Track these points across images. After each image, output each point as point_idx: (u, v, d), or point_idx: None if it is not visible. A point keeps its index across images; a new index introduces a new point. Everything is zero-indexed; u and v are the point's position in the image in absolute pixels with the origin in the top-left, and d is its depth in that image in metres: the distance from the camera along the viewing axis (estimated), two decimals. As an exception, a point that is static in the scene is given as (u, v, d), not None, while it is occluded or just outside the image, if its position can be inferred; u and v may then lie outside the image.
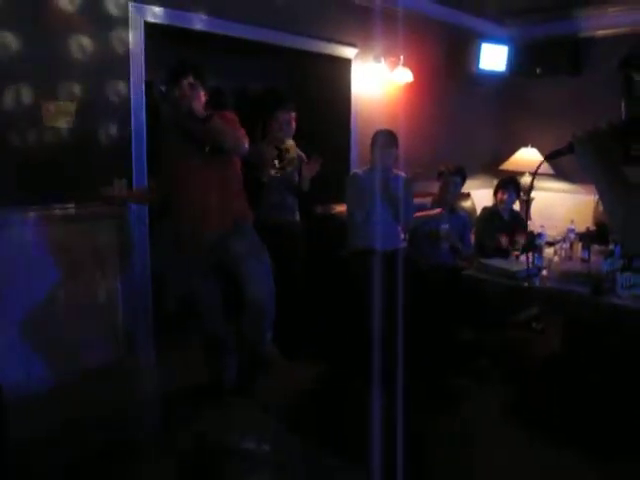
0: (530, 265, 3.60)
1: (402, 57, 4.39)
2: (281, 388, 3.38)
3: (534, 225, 5.13)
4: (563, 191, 5.47)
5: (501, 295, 3.60)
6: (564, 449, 2.77)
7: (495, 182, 5.72)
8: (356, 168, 4.21)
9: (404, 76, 4.45)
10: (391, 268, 3.66)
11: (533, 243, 4.19)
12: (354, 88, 4.34)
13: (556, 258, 3.84)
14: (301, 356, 3.73)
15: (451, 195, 4.21)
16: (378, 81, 4.41)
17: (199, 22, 3.44)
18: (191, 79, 2.90)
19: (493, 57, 4.98)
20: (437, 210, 4.12)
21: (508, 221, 4.49)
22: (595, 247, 4.02)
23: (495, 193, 4.52)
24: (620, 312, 3.07)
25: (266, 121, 3.78)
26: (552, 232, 5.11)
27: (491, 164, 5.60)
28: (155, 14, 3.28)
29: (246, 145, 2.95)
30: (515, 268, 3.55)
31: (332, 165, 4.00)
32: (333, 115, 4.45)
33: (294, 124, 3.76)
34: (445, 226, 4.04)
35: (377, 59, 4.32)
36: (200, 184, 2.97)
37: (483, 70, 4.95)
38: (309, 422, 3.01)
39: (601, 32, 5.03)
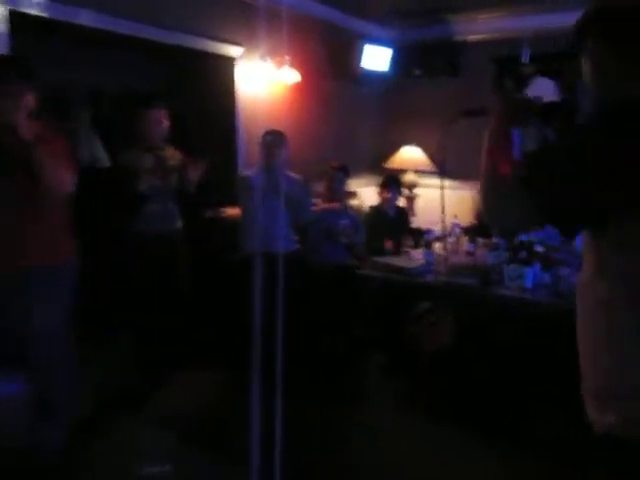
0: (422, 261, 3.71)
1: (288, 57, 4.34)
2: (177, 401, 3.23)
3: (420, 221, 5.30)
4: (445, 187, 5.68)
5: (395, 292, 3.69)
6: (454, 433, 2.95)
7: (380, 180, 5.87)
8: (245, 169, 4.12)
9: (290, 76, 4.41)
10: (284, 271, 3.62)
11: (422, 240, 4.32)
12: (240, 88, 4.23)
13: (444, 252, 3.98)
14: (194, 367, 3.61)
15: (337, 191, 4.23)
16: (264, 81, 4.33)
17: (69, 14, 3.12)
18: (13, 79, 2.28)
19: (376, 58, 5.07)
20: (334, 204, 4.13)
21: (394, 218, 4.61)
22: (480, 240, 4.21)
23: (379, 192, 4.61)
24: (507, 302, 3.23)
25: (135, 122, 3.54)
26: (438, 227, 5.32)
27: (376, 162, 5.71)
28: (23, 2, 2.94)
29: (69, 186, 2.41)
30: (407, 265, 3.64)
31: (220, 167, 3.87)
32: (218, 115, 4.31)
33: (165, 123, 3.51)
34: (344, 221, 4.07)
35: (263, 58, 4.23)
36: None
37: (367, 71, 5.03)
38: (209, 433, 2.91)
39: (474, 37, 5.29)
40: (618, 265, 1.14)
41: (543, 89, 5.50)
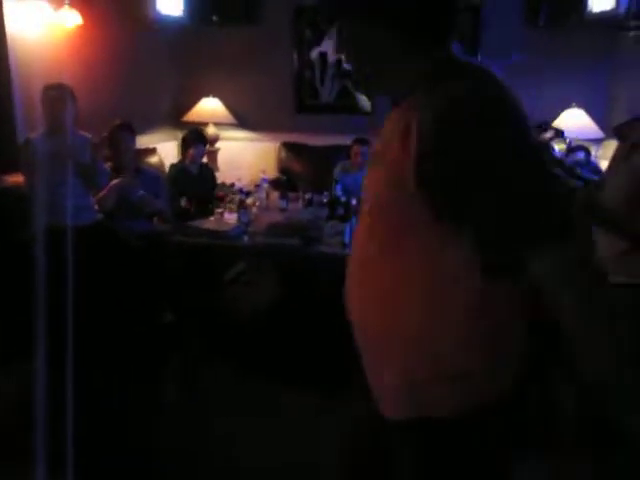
0: (236, 222, 3.54)
1: (66, -5, 3.73)
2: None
3: (223, 176, 5.08)
4: (246, 139, 5.51)
5: (210, 257, 3.48)
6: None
7: (179, 134, 5.49)
8: (24, 129, 3.51)
9: (71, 18, 3.80)
10: (89, 245, 3.21)
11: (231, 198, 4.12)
12: (10, 31, 3.52)
13: (254, 210, 3.84)
14: None
15: (125, 154, 3.74)
16: (41, 24, 3.67)
17: None
18: None
19: (171, 2, 4.61)
20: (119, 180, 3.61)
21: (197, 175, 4.34)
22: (290, 195, 4.14)
23: (183, 149, 4.30)
24: (329, 259, 3.20)
25: None
26: (242, 182, 5.15)
27: (174, 115, 5.32)
28: None
29: None
30: (223, 228, 3.43)
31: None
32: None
33: None
34: (140, 192, 3.63)
35: (36, -6, 3.57)
36: None
37: (161, 15, 4.56)
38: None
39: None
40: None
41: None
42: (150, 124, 4.50)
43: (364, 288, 1.14)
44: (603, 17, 4.50)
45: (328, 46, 5.27)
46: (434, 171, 0.93)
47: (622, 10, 4.39)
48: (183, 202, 3.85)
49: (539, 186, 0.94)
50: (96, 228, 3.37)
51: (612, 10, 4.42)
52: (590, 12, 4.51)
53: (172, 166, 4.44)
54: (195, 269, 3.49)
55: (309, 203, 3.73)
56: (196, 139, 4.30)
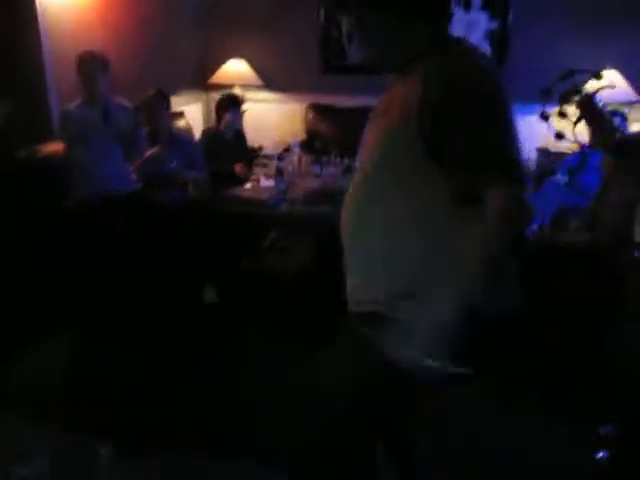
0: (274, 190, 3.54)
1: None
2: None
3: (251, 140, 5.05)
4: (273, 101, 5.45)
5: (250, 225, 3.50)
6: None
7: (205, 97, 5.44)
8: (56, 99, 3.51)
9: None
10: (128, 214, 3.24)
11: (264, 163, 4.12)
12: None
13: (288, 175, 3.83)
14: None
15: (161, 122, 3.70)
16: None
17: None
18: None
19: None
20: (154, 150, 3.60)
21: (232, 142, 4.32)
22: (324, 159, 4.12)
23: (218, 113, 4.25)
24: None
25: None
26: (269, 144, 5.13)
27: (199, 78, 5.24)
28: None
29: None
30: (262, 196, 3.44)
31: (24, 99, 3.22)
32: (14, 34, 3.49)
33: None
34: (173, 164, 3.60)
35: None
36: None
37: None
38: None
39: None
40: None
41: None
42: (176, 87, 4.44)
43: (356, 220, 1.48)
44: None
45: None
46: (433, 112, 1.24)
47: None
48: (220, 168, 3.83)
49: (503, 138, 1.27)
50: (135, 197, 3.38)
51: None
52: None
53: (206, 131, 4.39)
54: (234, 237, 3.51)
55: (347, 170, 3.71)
56: (233, 104, 4.24)
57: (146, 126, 3.63)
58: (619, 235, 2.84)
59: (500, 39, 5.03)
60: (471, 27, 5.07)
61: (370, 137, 1.46)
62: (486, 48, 5.09)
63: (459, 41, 1.39)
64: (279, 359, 2.97)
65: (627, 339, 2.41)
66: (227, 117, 4.18)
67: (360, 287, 1.47)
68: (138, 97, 3.61)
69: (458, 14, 5.03)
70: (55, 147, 3.31)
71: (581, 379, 2.68)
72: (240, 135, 4.50)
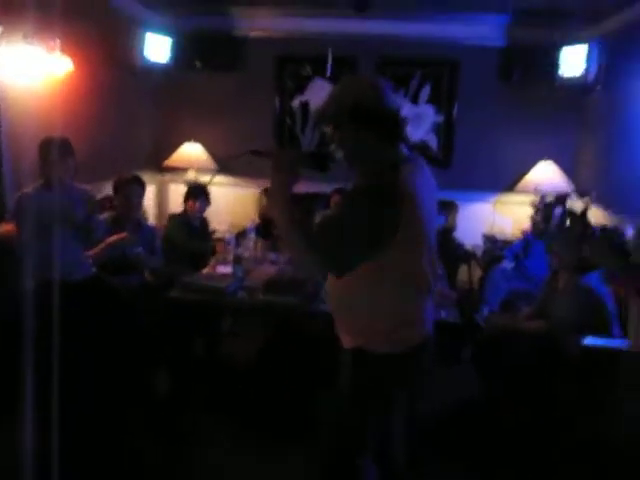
0: (231, 277, 3.52)
1: (58, 40, 3.68)
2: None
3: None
4: (226, 185, 5.52)
5: (210, 312, 3.46)
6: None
7: (159, 178, 5.46)
8: (10, 183, 3.45)
9: (63, 65, 3.75)
10: (83, 300, 3.15)
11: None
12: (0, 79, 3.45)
13: (251, 265, 3.84)
14: None
15: (135, 208, 3.75)
16: (32, 69, 3.60)
17: None
18: None
19: (157, 48, 4.63)
20: (122, 235, 3.57)
21: (198, 228, 4.33)
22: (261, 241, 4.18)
23: (186, 201, 4.28)
24: (326, 315, 3.22)
25: None
26: (222, 228, 5.14)
27: (155, 160, 5.28)
28: None
29: None
30: (221, 284, 3.41)
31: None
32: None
33: None
34: (139, 249, 3.58)
35: (28, 40, 3.51)
36: None
37: (148, 61, 4.56)
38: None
39: (256, 33, 5.18)
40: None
41: (321, 91, 5.70)
42: (132, 168, 4.45)
43: (336, 288, 1.86)
44: (572, 81, 4.79)
45: (310, 95, 5.38)
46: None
47: (590, 76, 4.69)
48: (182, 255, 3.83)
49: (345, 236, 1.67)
50: (90, 283, 3.30)
51: (581, 76, 4.72)
52: (561, 76, 4.79)
53: (173, 217, 4.40)
54: (191, 324, 3.46)
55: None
56: (201, 193, 4.30)
57: (115, 209, 3.62)
58: (567, 323, 2.97)
59: (446, 131, 5.33)
60: (419, 119, 5.36)
61: None
62: (433, 139, 5.37)
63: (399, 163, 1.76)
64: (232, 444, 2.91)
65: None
66: (196, 205, 4.22)
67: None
68: (95, 182, 3.60)
69: (406, 107, 5.32)
70: (8, 227, 3.23)
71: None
72: (205, 223, 4.52)
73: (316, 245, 1.66)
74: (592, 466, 2.55)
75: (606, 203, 4.61)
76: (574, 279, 3.08)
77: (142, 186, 3.75)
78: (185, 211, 4.29)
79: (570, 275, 3.12)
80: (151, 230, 3.93)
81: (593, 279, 3.03)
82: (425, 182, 1.80)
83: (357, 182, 1.80)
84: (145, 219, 4.30)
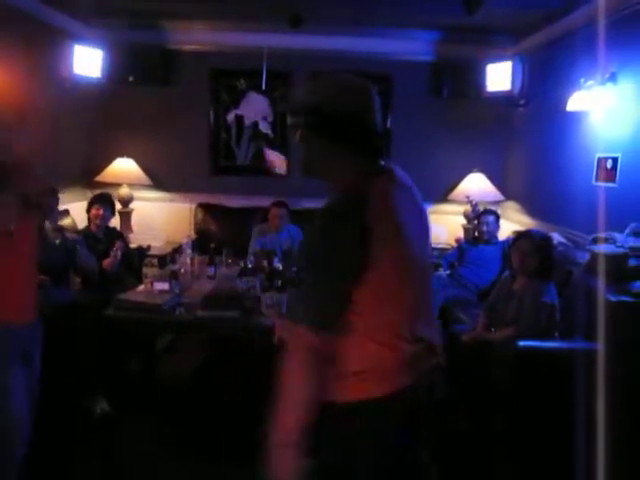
0: (169, 294, 3.46)
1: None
2: None
3: (137, 238, 4.96)
4: (162, 200, 5.43)
5: (147, 330, 3.38)
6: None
7: (91, 194, 5.30)
8: None
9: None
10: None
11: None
12: None
13: (188, 280, 3.78)
14: None
15: (52, 218, 3.57)
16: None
17: None
18: None
19: (88, 61, 4.52)
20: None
21: (104, 239, 4.15)
22: (217, 258, 4.11)
23: (89, 209, 4.13)
24: (266, 330, 3.20)
25: None
26: (157, 243, 5.05)
27: (86, 176, 5.13)
28: None
29: None
30: (157, 300, 3.34)
31: None
32: None
33: None
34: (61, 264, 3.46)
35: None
36: None
37: (79, 75, 4.44)
38: None
39: (190, 46, 5.13)
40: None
41: (256, 105, 5.71)
42: (64, 184, 4.32)
43: None
44: (498, 95, 4.99)
45: (244, 109, 5.37)
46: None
47: (515, 91, 4.90)
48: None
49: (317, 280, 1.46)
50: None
51: (506, 91, 4.92)
52: (488, 91, 4.98)
53: (81, 231, 4.24)
54: (126, 342, 3.37)
55: (242, 272, 3.72)
56: (101, 201, 4.13)
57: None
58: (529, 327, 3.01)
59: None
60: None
61: None
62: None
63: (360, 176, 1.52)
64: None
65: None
66: (100, 212, 4.05)
67: None
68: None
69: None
70: None
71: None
72: (113, 233, 4.33)
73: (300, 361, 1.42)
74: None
75: (532, 211, 4.80)
76: (533, 284, 3.10)
77: (55, 194, 3.59)
78: (89, 224, 4.13)
79: (528, 280, 3.14)
80: (76, 240, 3.75)
81: (550, 286, 3.09)
82: (409, 200, 1.57)
83: (325, 202, 1.50)
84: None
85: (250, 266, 3.85)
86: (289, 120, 1.65)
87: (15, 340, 2.23)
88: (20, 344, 2.26)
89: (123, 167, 5.09)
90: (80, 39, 4.66)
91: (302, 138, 1.56)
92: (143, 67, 4.92)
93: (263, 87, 5.14)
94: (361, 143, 1.54)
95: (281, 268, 3.62)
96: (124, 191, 5.07)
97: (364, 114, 1.53)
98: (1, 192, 2.22)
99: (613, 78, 3.50)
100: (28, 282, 2.36)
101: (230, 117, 5.38)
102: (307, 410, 1.41)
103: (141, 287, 3.62)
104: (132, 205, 5.17)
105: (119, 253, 3.89)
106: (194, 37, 5.09)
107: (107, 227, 4.23)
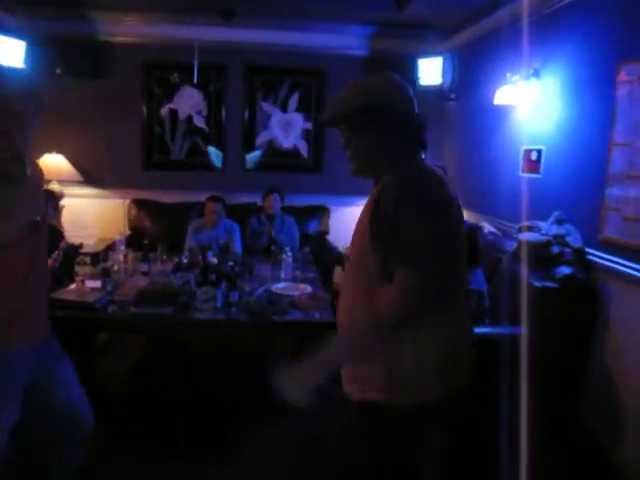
0: (103, 291, 3.38)
1: None
2: None
3: (70, 235, 4.81)
4: (94, 196, 5.28)
5: (79, 330, 3.28)
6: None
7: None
8: None
9: None
10: None
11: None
12: None
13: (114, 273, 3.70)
14: None
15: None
16: None
17: None
18: None
19: (11, 51, 4.34)
20: None
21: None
22: (150, 255, 4.03)
23: None
24: (202, 324, 3.19)
25: None
26: (90, 241, 4.92)
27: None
28: None
29: None
30: (89, 299, 3.25)
31: None
32: None
33: None
34: None
35: None
36: None
37: (1, 65, 4.25)
38: None
39: (121, 38, 5.01)
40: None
41: (189, 99, 5.64)
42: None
43: (347, 306, 1.67)
44: (430, 89, 5.10)
45: (179, 103, 5.29)
46: (377, 223, 1.49)
47: (446, 85, 5.03)
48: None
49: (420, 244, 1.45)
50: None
51: (438, 85, 5.04)
52: (420, 85, 5.08)
53: None
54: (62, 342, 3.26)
55: (177, 268, 3.67)
56: (50, 197, 4.03)
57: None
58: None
59: (315, 138, 5.48)
60: (289, 126, 5.46)
61: (353, 240, 1.70)
62: (303, 146, 5.50)
63: (417, 163, 1.62)
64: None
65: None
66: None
67: None
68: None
69: (277, 115, 5.41)
70: None
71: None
72: (54, 231, 4.22)
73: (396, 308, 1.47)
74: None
75: (464, 201, 4.93)
76: None
77: None
78: None
79: None
80: None
81: (478, 274, 3.18)
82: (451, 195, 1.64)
83: (384, 183, 1.53)
84: None
85: (185, 261, 3.80)
86: (338, 127, 1.65)
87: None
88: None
89: (52, 163, 4.92)
90: (3, 29, 4.47)
91: (353, 140, 1.61)
92: (72, 59, 4.76)
93: (195, 80, 5.08)
94: (411, 138, 1.61)
95: (216, 262, 3.59)
96: (54, 187, 4.91)
97: (410, 110, 1.60)
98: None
99: (537, 73, 3.64)
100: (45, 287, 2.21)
101: (164, 111, 5.29)
102: (366, 347, 1.53)
103: (73, 285, 3.52)
104: (63, 202, 5.01)
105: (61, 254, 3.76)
106: (126, 29, 4.97)
107: (51, 225, 4.10)
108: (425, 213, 1.46)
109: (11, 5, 4.51)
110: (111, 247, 4.23)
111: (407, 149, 1.61)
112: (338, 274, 4.70)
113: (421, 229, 1.44)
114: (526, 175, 3.77)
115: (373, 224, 1.50)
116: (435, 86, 5.07)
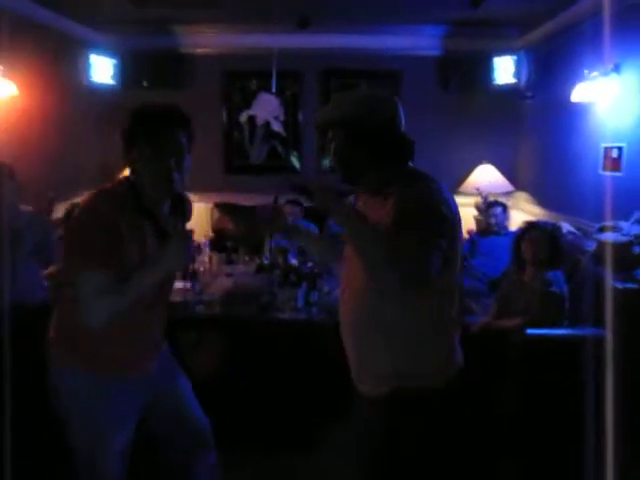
0: (191, 292, 3.57)
1: (0, 66, 3.69)
2: None
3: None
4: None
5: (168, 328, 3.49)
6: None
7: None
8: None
9: (5, 89, 3.76)
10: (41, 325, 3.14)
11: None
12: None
13: (208, 279, 3.90)
14: None
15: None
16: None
17: None
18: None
19: (102, 68, 4.66)
20: None
21: None
22: (234, 257, 4.23)
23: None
24: (284, 324, 3.33)
25: None
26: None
27: (102, 179, 5.26)
28: None
29: None
30: (177, 299, 3.46)
31: None
32: None
33: None
34: None
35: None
36: None
37: (94, 82, 4.58)
38: None
39: (202, 50, 5.26)
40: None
41: (267, 105, 5.80)
42: (77, 191, 4.46)
43: (354, 308, 1.77)
44: (506, 87, 5.05)
45: (256, 109, 5.48)
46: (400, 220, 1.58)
47: (522, 83, 4.96)
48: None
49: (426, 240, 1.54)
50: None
51: (513, 84, 4.99)
52: (495, 84, 5.04)
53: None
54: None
55: (260, 268, 3.85)
56: None
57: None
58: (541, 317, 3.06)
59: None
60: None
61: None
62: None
63: (423, 175, 1.76)
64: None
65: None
66: None
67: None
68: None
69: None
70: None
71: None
72: None
73: (396, 251, 1.49)
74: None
75: (542, 201, 4.87)
76: (542, 274, 3.13)
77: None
78: None
79: (537, 270, 3.18)
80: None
81: (558, 275, 3.15)
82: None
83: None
84: None
85: (266, 263, 3.97)
86: (321, 131, 1.87)
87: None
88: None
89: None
90: (94, 48, 4.79)
91: (341, 148, 1.77)
92: (157, 72, 5.05)
93: (273, 88, 5.25)
94: (395, 149, 1.75)
95: (297, 264, 3.73)
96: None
97: (396, 122, 1.74)
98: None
99: (617, 69, 3.56)
100: None
101: (243, 118, 5.50)
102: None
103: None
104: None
105: None
106: (205, 41, 5.21)
107: None
108: (446, 212, 1.61)
109: (101, 26, 4.83)
110: (197, 249, 4.44)
111: (391, 161, 1.75)
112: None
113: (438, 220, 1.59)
114: (606, 173, 3.69)
115: (397, 222, 1.59)
116: (511, 84, 5.02)
